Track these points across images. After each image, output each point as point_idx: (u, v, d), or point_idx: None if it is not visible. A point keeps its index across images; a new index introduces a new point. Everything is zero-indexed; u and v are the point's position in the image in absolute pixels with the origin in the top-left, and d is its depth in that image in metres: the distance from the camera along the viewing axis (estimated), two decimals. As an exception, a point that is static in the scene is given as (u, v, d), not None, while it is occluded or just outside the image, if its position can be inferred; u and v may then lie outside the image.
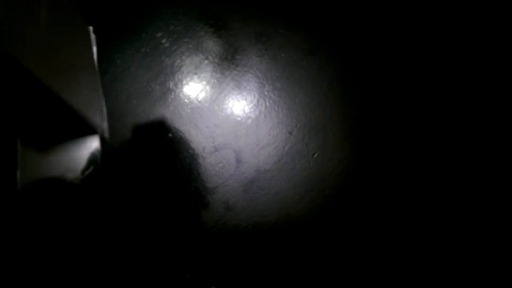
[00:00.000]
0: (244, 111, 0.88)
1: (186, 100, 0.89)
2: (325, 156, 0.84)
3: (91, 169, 0.85)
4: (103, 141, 0.86)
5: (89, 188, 0.84)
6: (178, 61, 0.91)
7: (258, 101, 0.88)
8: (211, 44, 0.91)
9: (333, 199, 0.82)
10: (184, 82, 0.90)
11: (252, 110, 0.87)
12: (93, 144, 0.86)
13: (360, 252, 0.80)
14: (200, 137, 0.87)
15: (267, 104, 0.88)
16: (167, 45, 0.92)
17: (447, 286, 0.79)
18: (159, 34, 0.92)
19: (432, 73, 0.87)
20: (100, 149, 0.86)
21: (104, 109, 0.87)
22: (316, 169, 0.84)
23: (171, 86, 0.90)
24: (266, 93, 0.88)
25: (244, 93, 0.88)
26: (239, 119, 0.87)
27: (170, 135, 0.87)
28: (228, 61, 0.90)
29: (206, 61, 0.91)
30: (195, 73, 0.90)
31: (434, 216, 0.81)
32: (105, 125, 0.84)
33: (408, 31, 0.90)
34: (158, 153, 0.86)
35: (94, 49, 0.92)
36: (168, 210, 0.83)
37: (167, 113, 0.88)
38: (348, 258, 0.80)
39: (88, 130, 0.77)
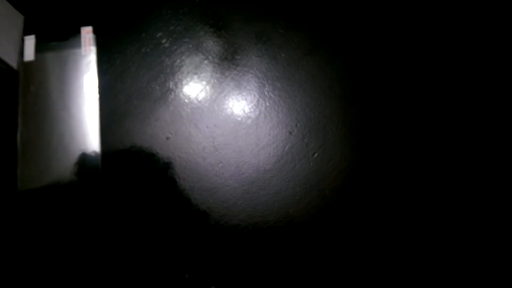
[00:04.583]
0: (244, 111, 0.88)
1: (186, 100, 0.89)
2: (325, 156, 0.84)
3: (91, 169, 0.85)
4: (103, 140, 0.86)
5: (89, 188, 0.84)
6: (178, 61, 0.91)
7: (258, 101, 0.88)
8: (211, 44, 0.91)
9: (333, 199, 0.82)
10: (184, 82, 0.90)
11: (252, 110, 0.88)
12: (93, 144, 0.86)
13: (360, 252, 0.80)
14: (200, 137, 0.87)
15: (267, 104, 0.88)
16: (167, 45, 0.92)
17: (447, 286, 0.79)
18: (159, 34, 0.92)
19: (433, 72, 0.87)
20: (100, 149, 0.86)
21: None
22: (316, 169, 0.84)
23: (171, 86, 0.90)
24: (266, 93, 0.88)
25: (244, 93, 0.88)
26: (239, 119, 0.87)
27: (170, 135, 0.87)
28: (228, 61, 0.90)
29: (206, 61, 0.91)
30: (195, 73, 0.90)
31: (434, 216, 0.81)
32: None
33: (409, 31, 0.90)
34: (158, 153, 0.86)
35: (94, 49, 0.92)
36: (168, 210, 0.83)
37: (167, 113, 0.88)
38: (348, 258, 0.80)
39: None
